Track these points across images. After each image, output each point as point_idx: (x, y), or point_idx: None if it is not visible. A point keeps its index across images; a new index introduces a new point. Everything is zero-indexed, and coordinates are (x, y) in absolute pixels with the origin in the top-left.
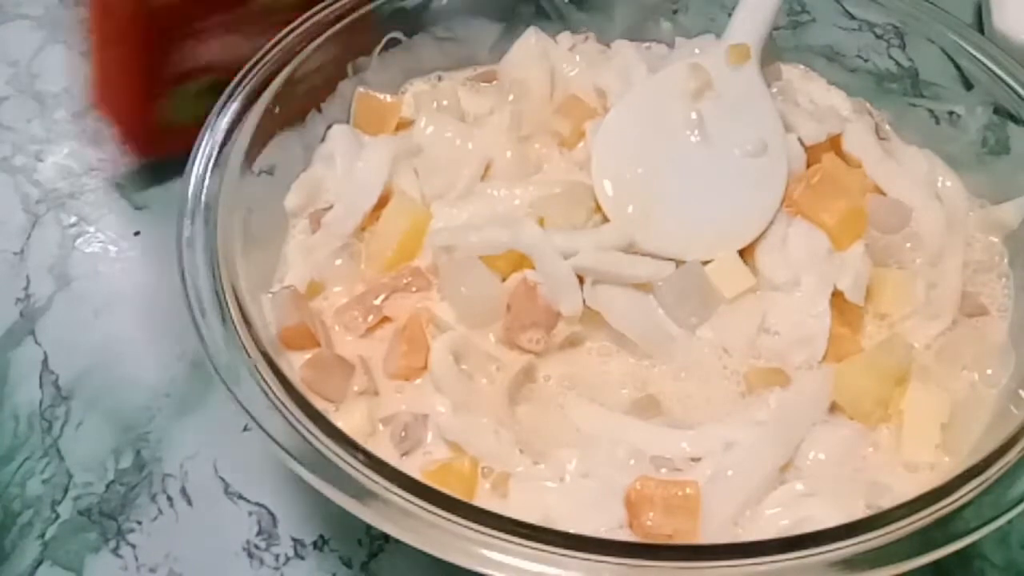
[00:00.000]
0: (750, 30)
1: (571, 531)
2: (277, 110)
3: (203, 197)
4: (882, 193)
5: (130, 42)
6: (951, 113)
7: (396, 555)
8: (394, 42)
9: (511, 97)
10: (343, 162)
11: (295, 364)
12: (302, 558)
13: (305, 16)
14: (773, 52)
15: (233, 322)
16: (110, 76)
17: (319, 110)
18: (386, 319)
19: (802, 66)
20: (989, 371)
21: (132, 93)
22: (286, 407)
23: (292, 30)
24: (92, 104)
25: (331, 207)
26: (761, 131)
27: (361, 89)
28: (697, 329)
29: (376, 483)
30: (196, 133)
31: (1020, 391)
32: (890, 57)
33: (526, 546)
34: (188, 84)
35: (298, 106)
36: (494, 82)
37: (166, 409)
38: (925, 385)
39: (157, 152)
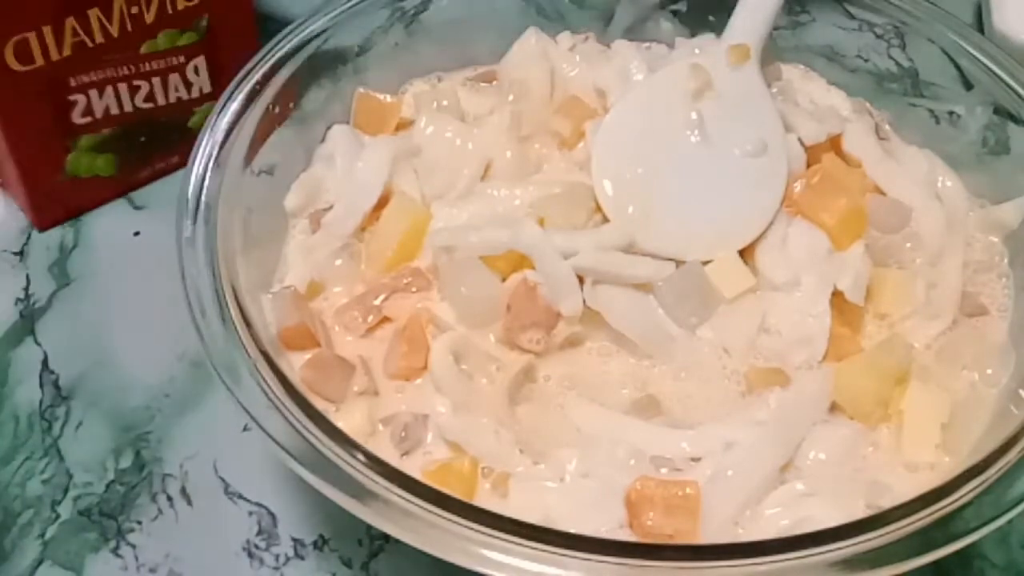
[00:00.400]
0: (750, 30)
1: (571, 531)
2: (277, 110)
3: (203, 197)
4: (882, 193)
5: (28, 101)
6: (951, 113)
7: (396, 555)
8: (394, 42)
9: (511, 97)
10: (343, 162)
11: (295, 364)
12: (302, 558)
13: (305, 16)
14: (773, 52)
15: (233, 322)
16: (13, 141)
17: (319, 110)
18: (386, 319)
19: (802, 66)
20: (989, 371)
21: (34, 154)
22: (286, 407)
23: (292, 30)
24: None
25: (331, 207)
26: (761, 131)
27: (361, 89)
28: (697, 329)
29: (376, 483)
30: (96, 189)
31: (1020, 391)
32: (890, 57)
33: (526, 546)
34: (85, 138)
35: (298, 106)
36: (494, 82)
37: (166, 409)
38: (925, 385)
39: (61, 214)
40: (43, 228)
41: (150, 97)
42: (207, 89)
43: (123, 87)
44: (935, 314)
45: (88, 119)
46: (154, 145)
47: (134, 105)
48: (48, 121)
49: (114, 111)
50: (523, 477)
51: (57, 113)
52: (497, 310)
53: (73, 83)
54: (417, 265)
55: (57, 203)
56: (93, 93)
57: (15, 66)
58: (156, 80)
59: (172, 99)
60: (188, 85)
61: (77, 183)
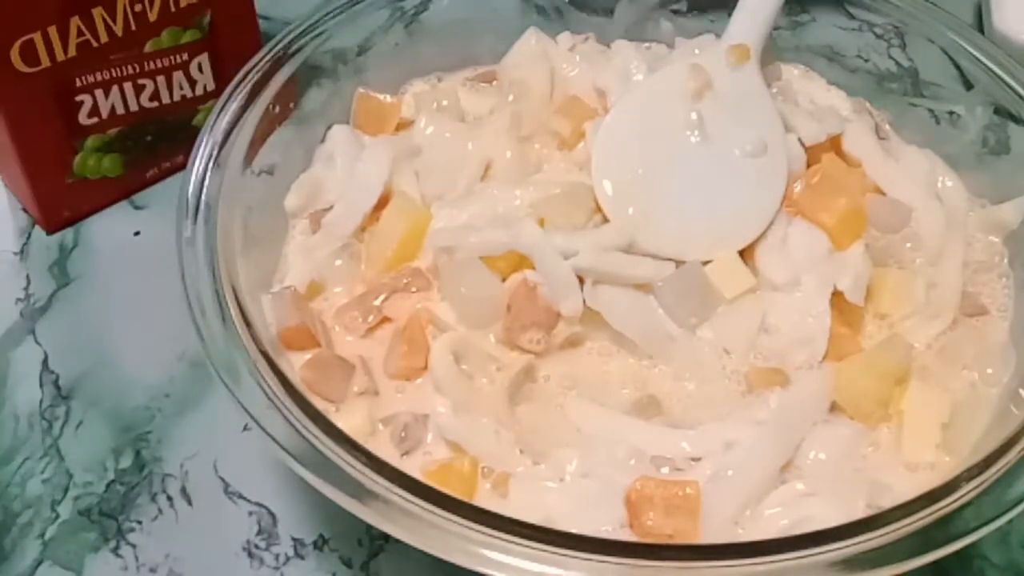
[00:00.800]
0: (750, 30)
1: (571, 531)
2: (277, 110)
3: (203, 197)
4: (882, 193)
5: (35, 103)
6: (951, 113)
7: (396, 555)
8: (394, 42)
9: (511, 97)
10: (343, 162)
11: (295, 364)
12: (302, 558)
13: (305, 16)
14: (773, 52)
15: (233, 322)
16: (20, 143)
17: (319, 110)
18: (386, 319)
19: (802, 66)
20: (989, 371)
21: (41, 155)
22: (286, 407)
23: (292, 30)
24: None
25: (331, 207)
26: (761, 131)
27: (361, 89)
28: (697, 329)
29: (376, 483)
30: (103, 190)
31: (1020, 391)
32: (890, 57)
33: (526, 546)
34: (92, 138)
35: (298, 106)
36: (494, 82)
37: (166, 409)
38: (925, 385)
39: (68, 216)
40: (51, 231)
41: (155, 96)
42: (211, 87)
43: (128, 86)
44: (935, 314)
45: (95, 119)
46: (160, 145)
47: (139, 104)
48: (55, 122)
49: (120, 111)
50: (523, 477)
51: (64, 114)
52: (497, 310)
53: (79, 83)
54: (417, 265)
55: (64, 205)
56: (99, 93)
57: (21, 67)
58: (161, 79)
59: (177, 97)
60: (192, 83)
61: (84, 185)
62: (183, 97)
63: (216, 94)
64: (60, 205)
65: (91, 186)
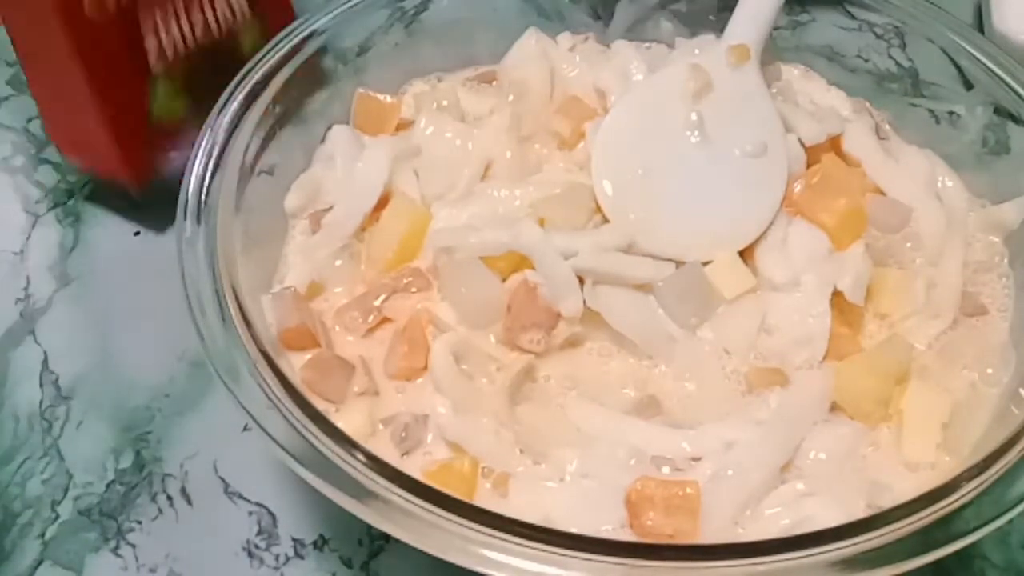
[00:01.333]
0: (750, 30)
1: (571, 531)
2: (277, 110)
3: (203, 197)
4: (882, 193)
5: (111, 52)
6: (951, 113)
7: (396, 555)
8: (394, 42)
9: (511, 97)
10: (343, 163)
11: (295, 364)
12: (302, 558)
13: (305, 16)
14: (773, 52)
15: (233, 322)
16: (104, 101)
17: (319, 110)
18: (386, 320)
19: (802, 66)
20: (989, 371)
21: (121, 104)
22: (286, 407)
23: (292, 30)
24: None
25: (331, 208)
26: (761, 131)
27: (361, 90)
28: (698, 329)
29: (376, 483)
30: (180, 133)
31: (1020, 391)
32: (890, 57)
33: (526, 546)
34: (162, 81)
35: (298, 106)
36: (494, 82)
37: (166, 409)
38: (925, 385)
39: (151, 165)
40: (142, 185)
41: (207, 29)
42: (247, 11)
43: (184, 22)
44: (935, 314)
45: (162, 62)
46: (220, 80)
47: (196, 39)
48: (129, 69)
49: (181, 49)
50: (523, 477)
51: (136, 60)
52: (497, 310)
53: (143, 26)
54: (417, 265)
55: (148, 155)
56: (161, 33)
57: (94, 15)
58: (207, 8)
59: (224, 27)
60: (232, 9)
61: (162, 129)
62: (229, 28)
63: (254, 16)
64: (146, 158)
65: (168, 130)
